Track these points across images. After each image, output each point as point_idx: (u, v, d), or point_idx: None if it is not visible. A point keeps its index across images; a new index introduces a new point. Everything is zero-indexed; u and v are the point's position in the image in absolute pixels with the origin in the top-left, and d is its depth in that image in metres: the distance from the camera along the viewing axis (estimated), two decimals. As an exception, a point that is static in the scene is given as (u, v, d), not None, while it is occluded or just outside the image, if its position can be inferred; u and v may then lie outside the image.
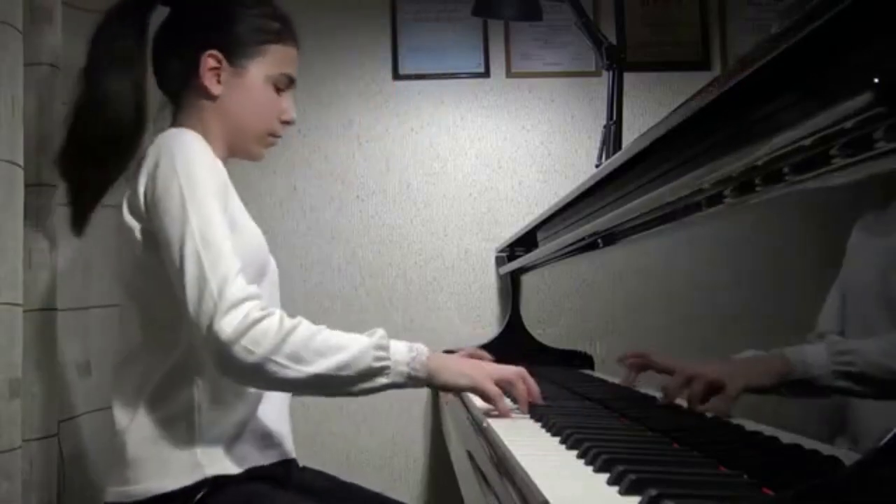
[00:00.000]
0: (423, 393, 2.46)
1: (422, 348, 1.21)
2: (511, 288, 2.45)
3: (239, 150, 1.42)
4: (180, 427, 1.23)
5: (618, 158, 1.24)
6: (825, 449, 0.71)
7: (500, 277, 2.54)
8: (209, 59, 1.33)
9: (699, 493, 0.73)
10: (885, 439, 0.54)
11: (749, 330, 0.92)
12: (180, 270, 1.14)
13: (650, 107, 2.55)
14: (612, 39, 2.19)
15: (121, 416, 1.27)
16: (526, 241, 2.21)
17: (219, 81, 1.34)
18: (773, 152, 0.76)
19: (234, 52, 1.34)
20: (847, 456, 0.67)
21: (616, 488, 0.77)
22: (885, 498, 0.55)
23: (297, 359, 1.13)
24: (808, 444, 0.74)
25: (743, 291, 0.94)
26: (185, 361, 1.24)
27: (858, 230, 0.70)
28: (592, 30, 2.16)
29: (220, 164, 1.28)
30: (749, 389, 0.91)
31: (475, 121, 2.62)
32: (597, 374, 1.53)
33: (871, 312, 0.67)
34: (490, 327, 2.53)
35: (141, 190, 1.23)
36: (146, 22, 1.37)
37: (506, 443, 1.03)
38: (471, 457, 1.12)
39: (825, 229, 0.76)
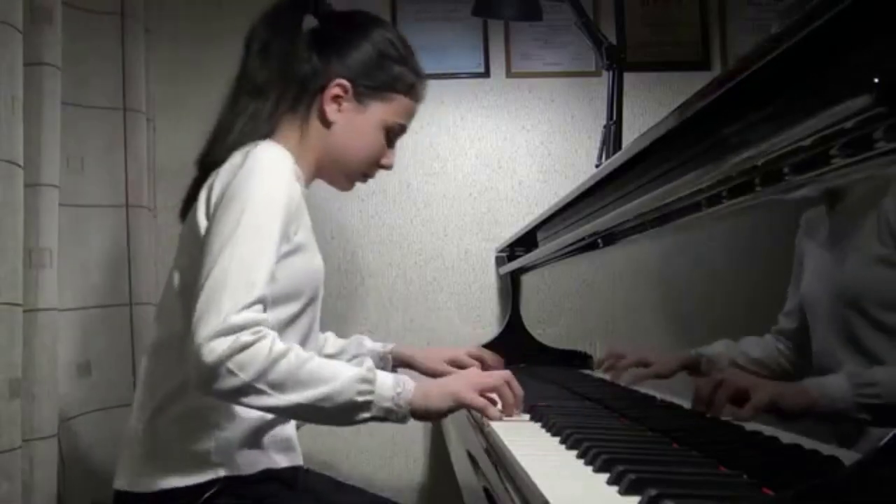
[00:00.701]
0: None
1: (408, 384, 1.20)
2: (511, 288, 2.45)
3: (328, 177, 1.45)
4: (197, 424, 1.23)
5: (618, 158, 1.24)
6: (825, 449, 0.71)
7: (500, 277, 2.54)
8: (337, 87, 1.36)
9: (699, 493, 0.73)
10: (885, 439, 0.54)
11: (749, 330, 0.92)
12: (207, 274, 1.14)
13: (650, 107, 2.54)
14: (612, 39, 2.19)
15: (141, 405, 1.28)
16: (526, 241, 2.21)
17: (338, 110, 1.36)
18: (773, 152, 0.76)
19: (363, 90, 1.37)
20: (847, 456, 0.67)
21: (616, 488, 0.77)
22: (885, 498, 0.55)
23: (279, 387, 1.12)
24: (808, 444, 0.74)
25: (743, 291, 0.94)
26: None
27: (858, 230, 0.70)
28: (592, 30, 2.16)
29: (297, 187, 1.27)
30: (769, 409, 0.88)
31: (475, 121, 2.62)
32: (597, 374, 1.53)
33: (874, 313, 0.67)
34: (490, 327, 2.53)
35: (217, 192, 1.23)
36: (300, 27, 1.37)
37: (506, 443, 1.03)
38: (471, 457, 1.12)
39: (825, 229, 0.76)
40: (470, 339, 2.46)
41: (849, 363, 0.70)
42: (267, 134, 1.31)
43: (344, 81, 1.35)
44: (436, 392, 1.22)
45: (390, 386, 1.18)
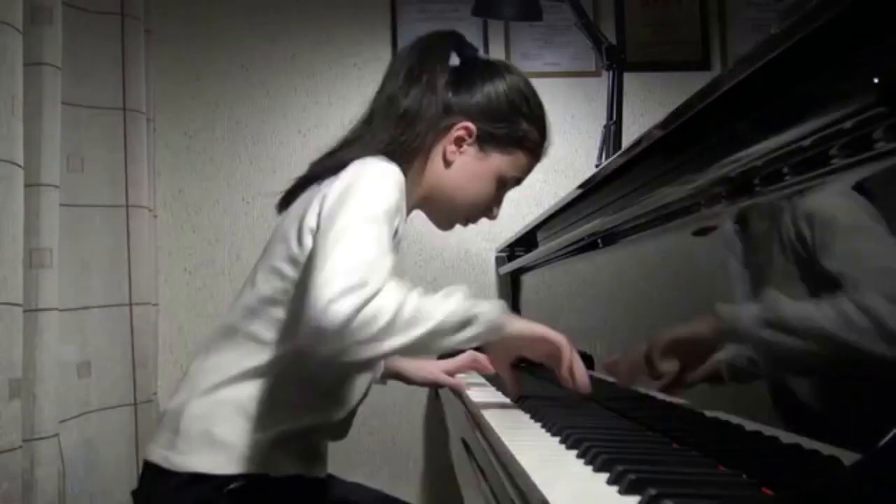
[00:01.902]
0: (423, 393, 2.46)
1: (500, 302, 1.22)
2: (511, 288, 2.45)
3: (431, 214, 1.45)
4: (240, 418, 1.23)
5: (618, 158, 1.24)
6: (825, 449, 0.72)
7: (500, 277, 2.54)
8: (463, 129, 1.35)
9: (699, 492, 0.73)
10: (885, 439, 0.54)
11: (749, 330, 0.92)
12: (323, 256, 1.08)
13: (650, 107, 2.55)
14: (612, 39, 2.19)
15: (193, 383, 1.28)
16: (526, 241, 2.21)
17: (459, 151, 1.36)
18: (773, 152, 0.76)
19: (489, 139, 1.36)
20: (847, 456, 0.67)
21: (616, 488, 0.77)
22: (885, 498, 0.55)
23: (409, 323, 1.09)
24: (808, 444, 0.74)
25: (743, 291, 0.94)
26: (280, 361, 1.24)
27: (858, 230, 0.70)
28: (592, 30, 2.16)
29: (403, 206, 1.25)
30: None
31: (475, 121, 2.62)
32: (597, 374, 1.53)
33: (874, 310, 0.67)
34: (490, 327, 2.53)
35: (331, 198, 1.20)
36: (447, 61, 1.37)
37: (505, 442, 1.03)
38: (470, 456, 1.12)
39: (825, 229, 0.76)
40: (470, 339, 2.46)
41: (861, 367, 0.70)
42: (387, 155, 1.29)
43: (470, 125, 1.35)
44: (522, 323, 1.28)
45: (488, 305, 1.19)
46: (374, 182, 1.21)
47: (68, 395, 1.82)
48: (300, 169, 1.41)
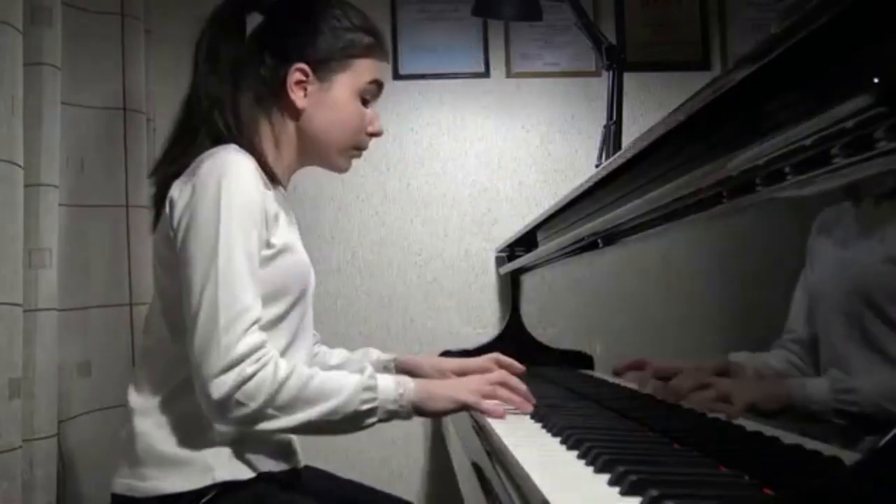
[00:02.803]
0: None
1: (409, 384, 1.24)
2: (511, 288, 2.45)
3: (321, 163, 1.41)
4: (193, 428, 1.22)
5: (618, 158, 1.24)
6: (826, 449, 0.71)
7: (500, 277, 2.54)
8: (297, 73, 1.32)
9: (700, 493, 0.73)
10: (885, 439, 0.54)
11: (749, 330, 0.92)
12: (196, 307, 1.15)
13: (650, 107, 2.55)
14: (612, 39, 2.19)
15: (135, 408, 1.27)
16: (526, 241, 2.21)
17: (305, 95, 1.33)
18: (773, 152, 0.76)
19: (322, 66, 1.33)
20: (848, 456, 0.67)
21: (617, 489, 0.77)
22: (885, 498, 0.55)
23: (288, 409, 1.16)
24: (810, 444, 0.74)
25: (743, 291, 0.94)
26: None
27: (858, 230, 0.70)
28: (592, 30, 2.16)
29: (267, 194, 1.25)
30: (750, 409, 0.89)
31: (475, 121, 2.62)
32: (597, 374, 1.53)
33: (871, 314, 0.67)
34: (490, 327, 2.53)
35: (182, 202, 1.21)
36: (245, 29, 1.35)
37: (506, 443, 1.03)
38: (470, 457, 1.11)
39: (825, 229, 0.76)
40: (470, 339, 2.46)
41: (860, 368, 0.69)
42: (232, 141, 1.27)
43: (301, 65, 1.32)
44: (439, 394, 1.27)
45: (392, 388, 1.22)
46: (223, 194, 1.17)
47: (68, 395, 1.82)
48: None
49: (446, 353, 2.18)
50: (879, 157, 0.63)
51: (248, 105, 1.32)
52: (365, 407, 1.20)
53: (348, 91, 1.35)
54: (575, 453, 0.95)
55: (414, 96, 2.61)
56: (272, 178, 1.30)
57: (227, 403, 1.13)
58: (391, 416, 1.22)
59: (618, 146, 2.06)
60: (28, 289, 1.61)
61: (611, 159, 1.30)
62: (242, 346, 1.14)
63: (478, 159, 2.61)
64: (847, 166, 0.67)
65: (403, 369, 1.55)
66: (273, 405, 1.15)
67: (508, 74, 2.63)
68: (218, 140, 1.27)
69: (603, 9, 2.62)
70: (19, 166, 1.56)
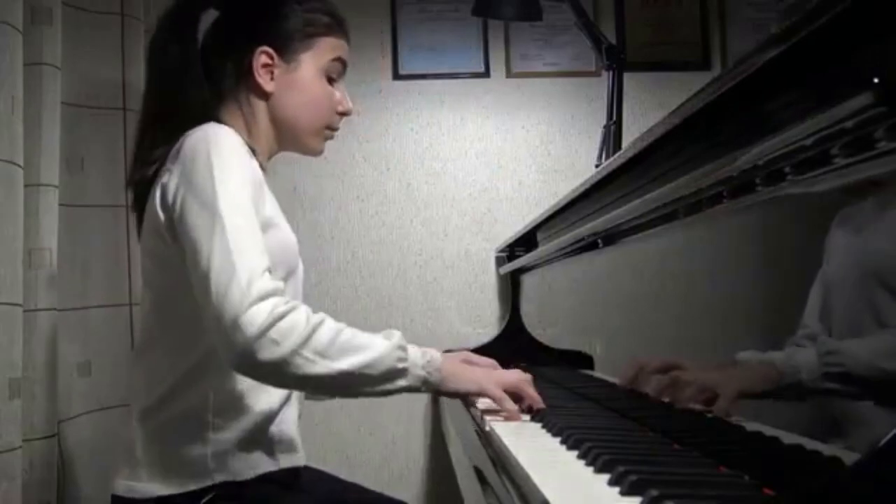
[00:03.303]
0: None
1: (435, 354, 1.22)
2: (511, 288, 2.45)
3: (295, 146, 1.41)
4: (192, 429, 1.21)
5: (618, 158, 1.24)
6: (826, 449, 0.71)
7: (500, 277, 2.54)
8: (262, 56, 1.32)
9: (700, 493, 0.73)
10: (885, 439, 0.54)
11: (749, 330, 0.92)
12: (207, 259, 1.10)
13: (650, 107, 2.55)
14: (612, 39, 2.19)
15: (134, 409, 1.26)
16: (526, 241, 2.21)
17: (272, 78, 1.33)
18: (773, 152, 0.76)
19: (286, 47, 1.34)
20: (847, 456, 0.67)
21: (617, 489, 0.77)
22: (885, 498, 0.55)
23: (324, 354, 1.10)
24: (810, 444, 0.74)
25: (743, 291, 0.94)
26: (202, 362, 1.22)
27: (858, 230, 0.70)
28: (592, 30, 2.16)
29: (255, 164, 1.25)
30: (742, 395, 0.91)
31: (475, 121, 2.62)
32: (597, 374, 1.53)
33: (872, 312, 0.67)
34: (490, 327, 2.53)
35: (174, 182, 1.19)
36: (197, 26, 1.35)
37: (506, 443, 1.03)
38: (470, 457, 1.11)
39: (825, 229, 0.76)
40: (470, 339, 2.46)
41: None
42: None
43: (265, 48, 1.32)
44: (462, 374, 1.25)
45: (419, 355, 1.19)
46: (215, 156, 1.17)
47: (68, 395, 1.82)
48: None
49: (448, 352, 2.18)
50: (880, 157, 0.63)
51: (217, 95, 1.32)
52: (399, 365, 1.16)
53: (314, 70, 1.35)
54: (575, 453, 0.95)
55: (414, 96, 2.61)
56: (252, 152, 1.28)
57: (259, 342, 1.05)
58: (418, 383, 1.18)
59: (618, 146, 2.06)
60: (28, 289, 1.61)
61: (611, 159, 1.30)
62: (265, 283, 1.08)
63: (478, 159, 2.61)
64: (847, 166, 0.67)
65: None
66: (310, 347, 1.09)
67: (508, 74, 2.63)
68: (191, 123, 1.24)
69: (603, 9, 2.62)
70: (19, 166, 1.56)
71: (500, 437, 1.09)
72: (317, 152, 1.42)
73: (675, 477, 0.79)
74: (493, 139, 2.62)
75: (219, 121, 1.27)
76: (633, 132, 1.87)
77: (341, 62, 1.39)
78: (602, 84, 2.27)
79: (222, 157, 1.17)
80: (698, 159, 0.94)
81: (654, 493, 0.70)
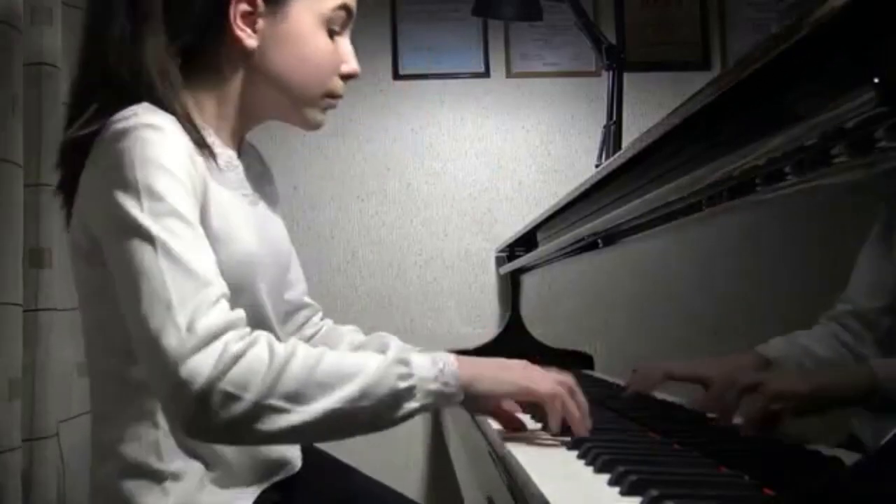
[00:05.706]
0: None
1: (448, 358, 0.95)
2: (511, 288, 2.45)
3: (287, 116, 1.10)
4: (146, 478, 0.96)
5: (618, 158, 1.24)
6: (826, 449, 0.71)
7: (500, 277, 2.54)
8: (241, 3, 1.00)
9: (700, 493, 0.73)
10: (885, 439, 0.54)
11: (749, 330, 0.92)
12: (135, 296, 0.85)
13: (650, 107, 2.55)
14: (612, 39, 2.19)
15: (93, 451, 1.02)
16: (526, 241, 2.21)
17: (254, 31, 1.01)
18: (773, 152, 0.76)
19: None
20: (848, 456, 0.67)
21: (617, 489, 0.77)
22: (885, 498, 0.55)
23: (298, 398, 0.85)
24: (810, 444, 0.74)
25: (743, 291, 0.94)
26: (141, 391, 0.95)
27: (859, 230, 0.70)
28: (592, 30, 2.16)
29: (199, 161, 0.96)
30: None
31: (475, 121, 2.62)
32: (597, 374, 1.53)
33: (874, 309, 0.67)
34: (490, 327, 2.53)
35: (91, 189, 0.95)
36: None
37: (506, 443, 1.03)
38: (470, 457, 1.11)
39: (826, 229, 0.76)
40: (470, 339, 2.46)
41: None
42: (144, 98, 0.95)
43: None
44: (489, 374, 0.98)
45: (428, 365, 0.92)
46: (148, 165, 0.89)
47: (68, 395, 1.82)
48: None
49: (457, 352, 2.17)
50: (880, 157, 0.63)
51: (167, 50, 0.99)
52: (403, 384, 0.89)
53: (310, 18, 1.03)
54: (575, 453, 0.95)
55: (414, 96, 2.61)
56: (201, 143, 0.97)
57: (209, 400, 0.81)
58: (435, 399, 0.92)
59: (618, 146, 2.06)
60: (28, 289, 1.61)
61: (611, 159, 1.30)
62: (215, 318, 0.84)
63: (478, 159, 2.62)
64: (847, 166, 0.67)
65: None
66: (277, 393, 0.84)
67: (508, 74, 2.63)
68: (123, 97, 0.96)
69: (603, 9, 2.62)
70: (19, 166, 1.56)
71: (500, 436, 1.08)
72: (314, 125, 1.10)
73: (675, 477, 0.79)
74: (493, 139, 2.62)
75: (167, 97, 0.96)
76: (633, 132, 1.87)
77: (346, 11, 1.07)
78: (602, 84, 2.27)
79: (156, 164, 0.89)
80: (698, 159, 0.94)
81: (654, 493, 0.70)
